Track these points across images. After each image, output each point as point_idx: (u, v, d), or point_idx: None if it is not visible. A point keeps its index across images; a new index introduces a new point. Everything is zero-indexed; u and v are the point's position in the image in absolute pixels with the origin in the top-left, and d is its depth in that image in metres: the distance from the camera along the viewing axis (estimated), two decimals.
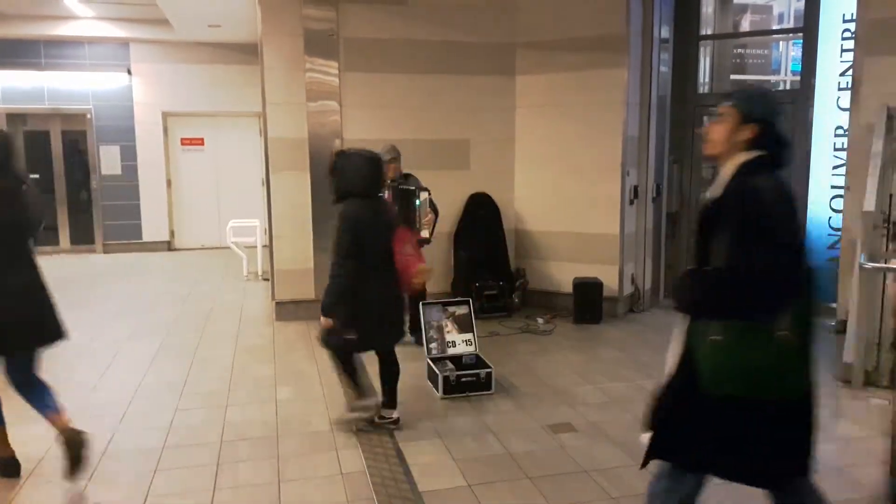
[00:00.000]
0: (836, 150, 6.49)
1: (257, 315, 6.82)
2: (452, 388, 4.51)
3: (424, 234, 5.40)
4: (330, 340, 3.77)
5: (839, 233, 6.26)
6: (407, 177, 5.47)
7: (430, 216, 5.42)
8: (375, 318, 3.76)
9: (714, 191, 2.16)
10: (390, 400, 3.99)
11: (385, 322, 3.84)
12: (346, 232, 3.63)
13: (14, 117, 10.51)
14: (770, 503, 2.26)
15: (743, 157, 2.12)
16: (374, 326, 3.76)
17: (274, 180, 6.42)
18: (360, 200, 3.71)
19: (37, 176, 10.73)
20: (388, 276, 3.78)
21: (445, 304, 5.02)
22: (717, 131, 2.18)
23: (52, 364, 5.20)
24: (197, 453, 3.73)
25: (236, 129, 11.18)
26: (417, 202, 5.30)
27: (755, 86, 1.86)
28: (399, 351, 4.05)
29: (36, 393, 3.31)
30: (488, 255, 6.83)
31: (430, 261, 5.63)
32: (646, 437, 2.29)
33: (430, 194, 5.39)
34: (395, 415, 3.98)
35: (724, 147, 2.16)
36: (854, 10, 5.92)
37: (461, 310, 5.00)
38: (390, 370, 3.98)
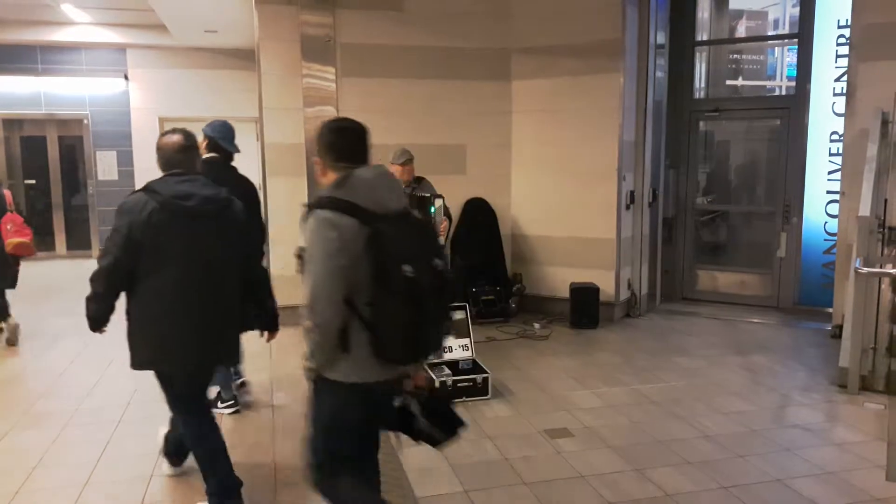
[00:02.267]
0: (831, 155, 6.52)
1: None
2: (449, 394, 4.51)
3: (440, 240, 5.39)
4: None
5: (835, 238, 6.29)
6: (420, 180, 5.46)
7: (445, 223, 5.42)
8: None
9: None
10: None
11: None
12: None
13: (10, 123, 10.49)
14: None
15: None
16: None
17: (270, 185, 6.43)
18: None
19: (33, 181, 10.73)
20: None
21: None
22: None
23: (44, 371, 5.20)
24: (192, 458, 3.71)
25: None
26: (433, 209, 5.31)
27: (219, 119, 3.52)
28: None
29: None
30: (485, 260, 6.84)
31: None
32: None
33: (444, 200, 5.40)
34: None
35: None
36: (848, 15, 5.96)
37: (458, 315, 4.99)
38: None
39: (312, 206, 2.22)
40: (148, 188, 2.94)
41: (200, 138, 3.83)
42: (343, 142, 2.37)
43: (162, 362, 3.00)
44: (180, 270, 2.86)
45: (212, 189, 3.01)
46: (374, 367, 2.23)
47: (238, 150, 4.31)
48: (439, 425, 2.44)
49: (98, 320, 2.98)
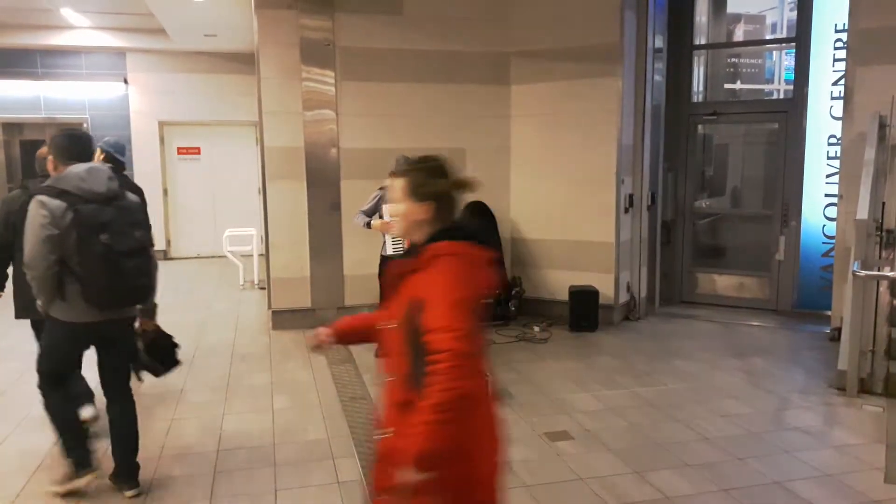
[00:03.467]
0: (829, 158, 6.54)
1: (253, 324, 6.82)
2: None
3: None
4: None
5: (833, 241, 6.30)
6: None
7: None
8: None
9: None
10: None
11: None
12: None
13: (10, 127, 10.51)
14: None
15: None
16: None
17: (270, 189, 6.44)
18: None
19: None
20: None
21: None
22: None
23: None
24: (193, 462, 3.73)
25: (233, 138, 11.19)
26: None
27: (114, 136, 4.17)
28: None
29: None
30: None
31: None
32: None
33: None
34: None
35: None
36: (846, 20, 5.98)
37: None
38: None
39: (34, 192, 3.06)
40: (22, 186, 3.94)
41: (98, 152, 4.44)
42: (71, 146, 3.24)
43: (25, 311, 3.87)
44: None
45: None
46: (85, 310, 3.07)
47: (124, 162, 4.81)
48: (160, 361, 3.48)
49: None
